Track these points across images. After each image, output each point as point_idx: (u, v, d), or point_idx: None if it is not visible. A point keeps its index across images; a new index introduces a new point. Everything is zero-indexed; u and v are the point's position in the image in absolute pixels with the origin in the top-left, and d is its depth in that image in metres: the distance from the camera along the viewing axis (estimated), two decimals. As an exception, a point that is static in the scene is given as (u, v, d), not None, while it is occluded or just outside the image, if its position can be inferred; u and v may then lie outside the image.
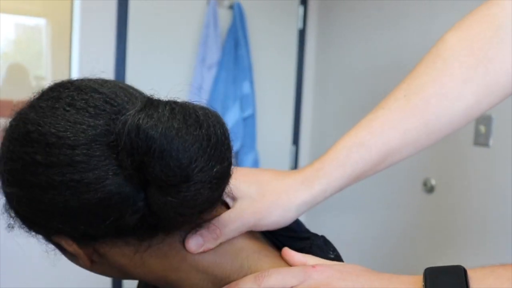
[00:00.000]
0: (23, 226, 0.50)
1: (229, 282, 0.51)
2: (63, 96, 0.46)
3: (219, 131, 0.43)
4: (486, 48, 0.56)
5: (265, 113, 2.60)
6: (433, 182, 1.97)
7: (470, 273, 0.43)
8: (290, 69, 2.70)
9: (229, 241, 0.52)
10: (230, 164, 0.45)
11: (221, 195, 0.46)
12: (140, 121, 0.41)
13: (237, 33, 2.41)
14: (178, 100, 0.44)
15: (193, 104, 0.44)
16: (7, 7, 2.01)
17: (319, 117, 2.72)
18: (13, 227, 0.51)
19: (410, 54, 2.07)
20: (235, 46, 2.42)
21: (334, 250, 0.57)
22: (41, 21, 2.11)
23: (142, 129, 0.40)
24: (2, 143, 0.48)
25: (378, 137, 0.57)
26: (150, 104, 0.43)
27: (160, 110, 0.42)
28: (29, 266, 2.09)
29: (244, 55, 2.41)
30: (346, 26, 2.52)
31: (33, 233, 0.51)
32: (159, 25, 2.33)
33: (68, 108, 0.44)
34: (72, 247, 0.49)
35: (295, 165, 2.72)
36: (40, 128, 0.44)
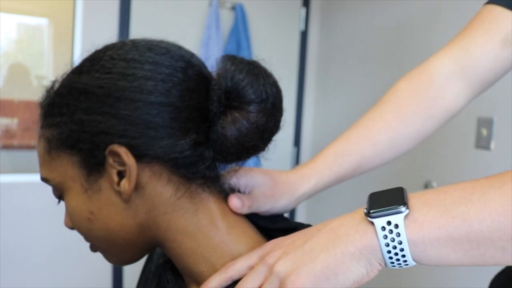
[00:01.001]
0: (74, 134, 0.52)
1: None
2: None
3: (280, 92, 0.57)
4: (425, 92, 0.81)
5: (266, 115, 2.60)
6: (434, 184, 1.97)
7: (411, 194, 0.48)
8: (292, 70, 2.70)
9: (241, 229, 0.58)
10: (281, 119, 0.57)
11: (270, 138, 0.58)
12: (235, 61, 0.57)
13: (239, 35, 2.41)
14: None
15: None
16: (9, 6, 2.01)
17: (320, 119, 2.72)
18: (49, 150, 0.55)
19: (412, 56, 2.07)
20: (237, 47, 2.42)
21: None
22: (43, 21, 2.11)
23: (238, 62, 0.56)
24: (101, 53, 0.56)
25: (355, 147, 0.76)
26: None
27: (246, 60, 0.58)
28: (29, 266, 2.10)
29: (245, 56, 2.41)
30: (348, 28, 2.52)
31: (77, 149, 0.53)
32: (161, 25, 2.34)
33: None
34: (130, 158, 0.51)
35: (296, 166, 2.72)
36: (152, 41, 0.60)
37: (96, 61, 0.54)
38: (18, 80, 2.07)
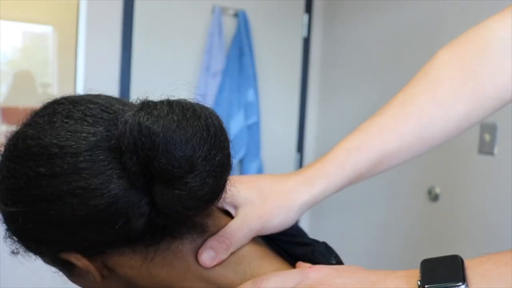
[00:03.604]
0: (28, 249, 0.50)
1: None
2: (59, 110, 0.47)
3: (216, 122, 0.44)
4: (474, 64, 0.61)
5: (269, 121, 2.60)
6: (437, 190, 1.96)
7: (467, 262, 0.44)
8: (295, 77, 2.71)
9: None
10: (229, 154, 0.46)
11: (224, 185, 0.47)
12: (141, 119, 0.42)
13: (242, 41, 2.42)
14: (173, 98, 0.46)
15: (188, 99, 0.46)
16: (14, 15, 2.03)
17: (323, 125, 2.72)
18: (18, 253, 0.51)
19: (415, 62, 2.07)
20: (239, 54, 2.43)
21: (336, 256, 0.57)
22: (47, 29, 2.13)
23: (144, 126, 0.41)
24: (1, 164, 0.48)
25: (376, 140, 0.59)
26: (147, 104, 0.44)
27: (158, 107, 0.43)
28: (30, 266, 2.10)
29: (248, 63, 2.42)
30: (350, 34, 2.53)
31: (39, 256, 0.51)
32: (164, 32, 2.35)
33: (66, 120, 0.46)
34: (82, 261, 0.49)
35: (299, 173, 2.72)
36: (40, 141, 0.45)
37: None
38: (23, 88, 2.08)
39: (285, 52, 2.67)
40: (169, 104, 0.43)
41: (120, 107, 0.48)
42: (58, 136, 0.44)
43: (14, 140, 0.47)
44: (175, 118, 0.42)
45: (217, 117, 0.45)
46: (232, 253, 0.52)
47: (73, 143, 0.44)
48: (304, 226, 2.67)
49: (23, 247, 0.50)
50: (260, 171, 2.49)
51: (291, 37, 2.68)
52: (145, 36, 2.29)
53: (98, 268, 0.50)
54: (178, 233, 0.50)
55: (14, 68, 2.07)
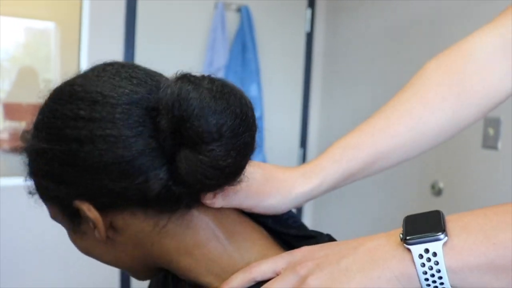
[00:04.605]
0: (45, 191, 0.53)
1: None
2: (109, 68, 0.51)
3: (249, 104, 0.48)
4: (461, 70, 0.67)
5: (272, 116, 2.60)
6: (441, 185, 1.96)
7: (448, 217, 0.46)
8: (298, 72, 2.71)
9: (243, 235, 0.56)
10: (254, 136, 0.49)
11: (245, 164, 0.50)
12: (183, 85, 0.46)
13: (245, 36, 2.42)
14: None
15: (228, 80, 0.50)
16: (16, 11, 2.03)
17: (326, 120, 2.72)
18: (34, 194, 0.55)
19: (418, 56, 2.07)
20: (242, 49, 2.43)
21: None
22: (50, 25, 2.13)
23: (184, 90, 0.45)
24: (44, 104, 0.52)
25: (369, 139, 0.65)
26: (190, 75, 0.48)
27: (200, 78, 0.47)
28: (33, 266, 2.11)
29: (251, 58, 2.42)
30: (353, 28, 2.52)
31: (51, 204, 0.54)
32: (167, 28, 2.35)
33: (113, 77, 0.50)
34: (92, 212, 0.50)
35: (302, 168, 2.72)
36: (86, 87, 0.49)
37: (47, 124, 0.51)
38: (26, 84, 2.08)
39: (288, 47, 2.66)
40: (210, 78, 0.47)
41: (163, 78, 0.52)
42: (103, 87, 0.48)
43: (61, 86, 0.52)
44: (214, 89, 0.46)
45: (250, 102, 0.49)
46: (243, 238, 0.55)
47: (116, 95, 0.48)
48: (307, 219, 2.67)
49: (39, 193, 0.54)
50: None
51: (294, 32, 2.67)
52: (148, 31, 2.28)
53: (106, 225, 0.52)
54: (191, 205, 0.52)
55: (16, 64, 2.08)
